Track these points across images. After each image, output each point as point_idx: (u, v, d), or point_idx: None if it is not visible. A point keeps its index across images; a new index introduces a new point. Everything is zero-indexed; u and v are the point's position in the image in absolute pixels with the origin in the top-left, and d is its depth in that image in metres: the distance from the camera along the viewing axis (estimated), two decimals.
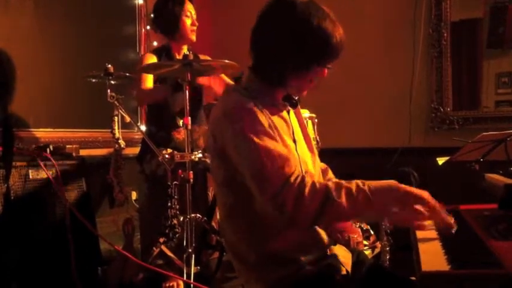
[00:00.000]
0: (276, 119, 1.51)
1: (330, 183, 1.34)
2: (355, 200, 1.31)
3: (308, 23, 1.44)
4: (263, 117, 1.44)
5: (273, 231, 1.47)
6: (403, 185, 1.38)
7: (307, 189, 1.32)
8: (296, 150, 1.56)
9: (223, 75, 3.31)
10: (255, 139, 1.38)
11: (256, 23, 1.53)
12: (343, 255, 1.61)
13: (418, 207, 1.33)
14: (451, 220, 1.39)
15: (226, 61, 2.60)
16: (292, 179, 1.34)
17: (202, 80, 3.01)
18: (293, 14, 1.45)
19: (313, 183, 1.33)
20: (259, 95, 1.51)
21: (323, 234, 1.56)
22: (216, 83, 3.10)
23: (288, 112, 1.62)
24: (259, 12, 1.52)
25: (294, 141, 1.58)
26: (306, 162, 1.59)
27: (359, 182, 1.35)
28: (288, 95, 1.58)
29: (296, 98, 1.61)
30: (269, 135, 1.41)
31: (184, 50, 3.19)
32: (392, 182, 1.38)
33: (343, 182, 1.36)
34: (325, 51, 1.47)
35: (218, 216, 3.45)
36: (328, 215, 1.32)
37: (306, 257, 1.50)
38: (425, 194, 1.37)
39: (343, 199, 1.31)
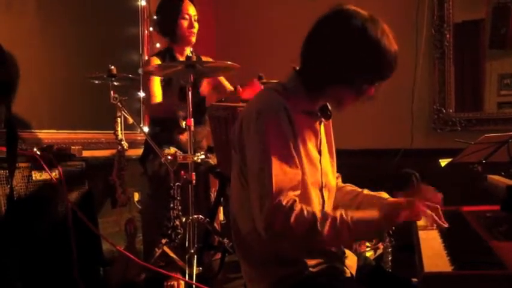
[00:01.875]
0: (305, 127, 1.51)
1: (317, 213, 1.37)
2: (338, 232, 1.36)
3: (366, 38, 1.41)
4: (289, 127, 1.42)
5: None
6: (386, 213, 1.42)
7: (293, 215, 1.33)
8: (320, 161, 1.56)
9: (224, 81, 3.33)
10: (270, 148, 1.38)
11: (312, 28, 1.50)
12: (349, 258, 1.61)
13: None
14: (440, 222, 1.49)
15: (229, 62, 2.61)
16: (284, 201, 1.34)
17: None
18: (352, 25, 1.42)
19: (301, 211, 1.35)
20: (297, 98, 1.50)
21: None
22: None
23: (320, 123, 1.60)
24: (318, 18, 1.49)
25: (320, 152, 1.57)
26: (327, 174, 1.60)
27: (343, 212, 1.39)
28: (324, 107, 1.58)
29: (330, 110, 1.60)
30: (285, 148, 1.40)
31: (187, 51, 3.19)
32: (374, 215, 1.42)
33: (329, 212, 1.40)
34: (379, 69, 1.46)
35: (221, 217, 3.45)
36: (311, 242, 1.40)
37: (311, 260, 1.51)
38: (408, 208, 1.44)
39: (327, 230, 1.35)
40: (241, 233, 1.55)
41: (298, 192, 1.40)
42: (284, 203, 1.34)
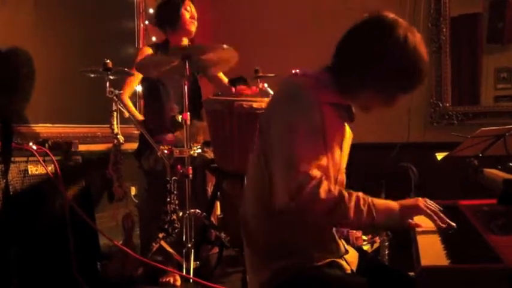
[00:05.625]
0: (332, 120, 1.50)
1: (343, 191, 1.38)
2: (361, 212, 1.37)
3: (407, 48, 1.44)
4: (316, 112, 1.43)
5: (292, 224, 1.46)
6: (399, 206, 1.44)
7: (322, 187, 1.34)
8: (340, 157, 1.56)
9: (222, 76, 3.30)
10: (299, 126, 1.39)
11: (351, 31, 1.51)
12: (350, 254, 1.61)
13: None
14: (447, 222, 1.44)
15: (225, 46, 2.58)
16: (313, 174, 1.35)
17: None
18: (394, 34, 1.44)
19: (329, 186, 1.36)
20: (326, 91, 1.50)
21: (341, 244, 1.58)
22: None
23: (344, 121, 1.60)
24: (356, 22, 1.51)
25: (341, 149, 1.57)
26: (342, 171, 1.60)
27: (364, 196, 1.40)
28: (348, 107, 1.58)
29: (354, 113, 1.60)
30: (312, 129, 1.41)
31: (184, 42, 3.20)
32: (391, 204, 1.45)
33: (353, 192, 1.40)
34: (414, 78, 1.49)
35: (218, 211, 3.45)
36: (336, 216, 1.37)
37: (314, 252, 1.50)
38: (420, 205, 1.45)
39: (353, 206, 1.36)
40: (248, 217, 1.56)
41: (321, 173, 1.39)
42: (313, 175, 1.34)
